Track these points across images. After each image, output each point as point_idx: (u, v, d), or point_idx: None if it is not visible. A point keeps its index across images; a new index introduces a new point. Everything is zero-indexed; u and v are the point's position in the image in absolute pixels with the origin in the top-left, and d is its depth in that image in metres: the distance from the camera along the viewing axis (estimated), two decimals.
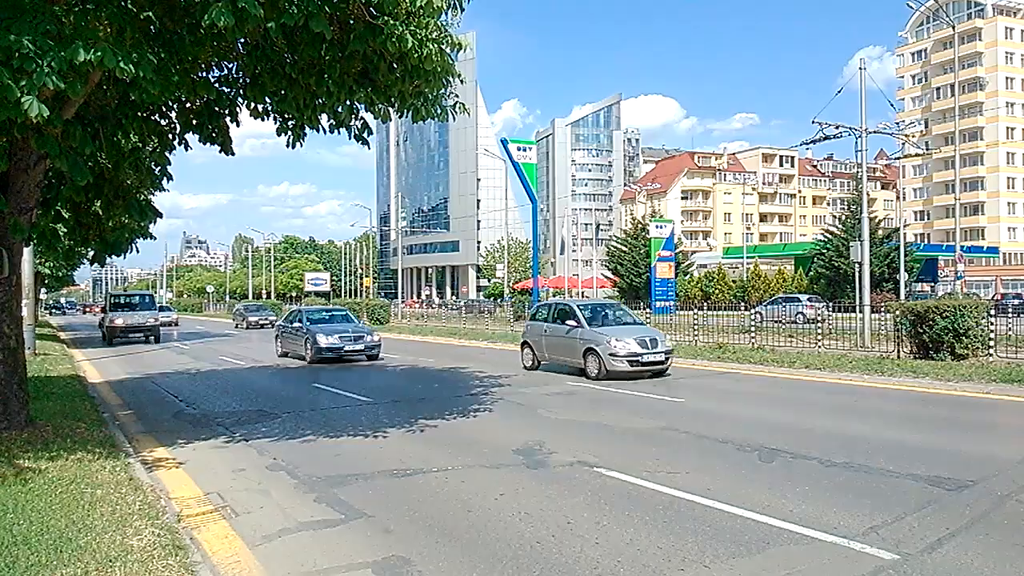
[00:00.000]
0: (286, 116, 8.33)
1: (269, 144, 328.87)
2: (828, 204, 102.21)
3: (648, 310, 31.78)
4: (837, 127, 24.57)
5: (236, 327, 44.02)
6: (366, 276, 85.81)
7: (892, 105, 66.37)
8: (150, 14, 6.68)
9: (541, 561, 4.96)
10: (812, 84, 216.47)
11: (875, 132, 26.90)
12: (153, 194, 11.96)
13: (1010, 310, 22.62)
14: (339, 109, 8.10)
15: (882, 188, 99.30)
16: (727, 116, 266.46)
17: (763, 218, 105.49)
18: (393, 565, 4.95)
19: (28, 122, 6.11)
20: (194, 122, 8.48)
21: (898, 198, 72.17)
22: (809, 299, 35.07)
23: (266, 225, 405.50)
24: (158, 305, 36.90)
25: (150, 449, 8.73)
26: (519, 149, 53.35)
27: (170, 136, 9.02)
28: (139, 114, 8.30)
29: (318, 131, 8.48)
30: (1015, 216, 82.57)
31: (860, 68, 22.87)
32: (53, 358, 19.62)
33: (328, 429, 9.97)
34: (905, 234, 45.49)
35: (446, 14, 7.27)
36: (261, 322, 43.29)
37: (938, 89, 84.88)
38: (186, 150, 9.45)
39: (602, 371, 14.38)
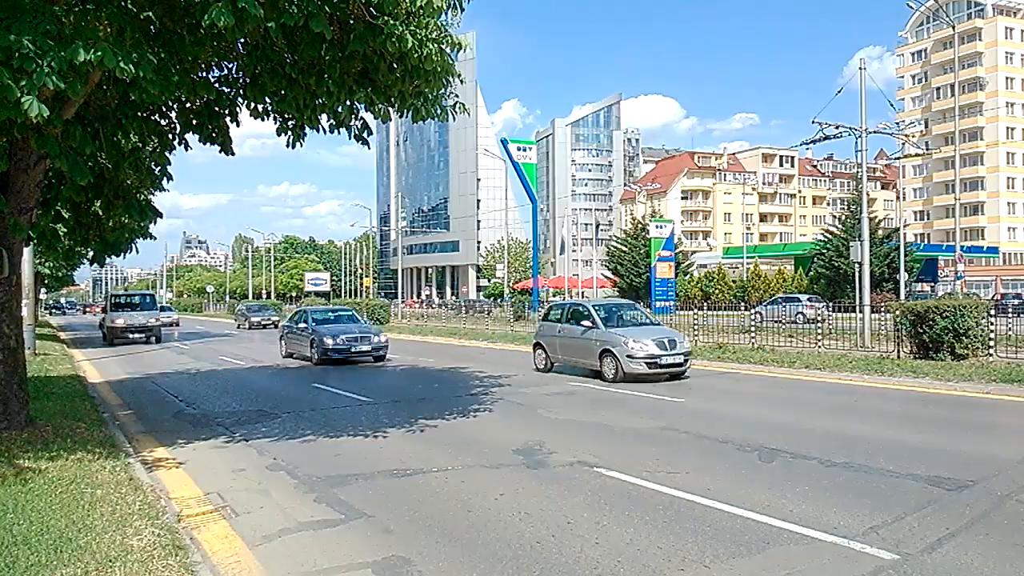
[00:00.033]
0: (286, 116, 8.32)
1: (269, 144, 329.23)
2: (828, 204, 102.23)
3: (648, 310, 31.76)
4: (837, 127, 24.58)
5: (238, 327, 43.76)
6: (366, 276, 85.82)
7: (892, 105, 66.36)
8: (150, 14, 6.68)
9: (541, 561, 4.96)
10: (812, 84, 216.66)
11: (875, 132, 26.92)
12: (153, 194, 11.96)
13: (1010, 310, 22.62)
14: (339, 109, 8.10)
15: (882, 188, 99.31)
16: (727, 116, 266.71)
17: (763, 218, 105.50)
18: (393, 565, 4.95)
19: (28, 122, 6.11)
20: (194, 122, 8.48)
21: (898, 198, 72.17)
22: (809, 299, 35.07)
23: (266, 225, 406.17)
24: (159, 305, 36.40)
25: (150, 449, 8.73)
26: (519, 149, 53.60)
27: (170, 136, 9.02)
28: (139, 114, 8.30)
29: (318, 131, 8.48)
30: (1015, 216, 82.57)
31: (860, 68, 22.88)
32: (53, 358, 19.63)
33: (328, 429, 9.97)
34: (905, 234, 45.50)
35: (446, 14, 7.27)
36: (264, 322, 42.94)
37: (938, 89, 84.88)
38: (186, 150, 9.46)
39: (619, 373, 13.96)
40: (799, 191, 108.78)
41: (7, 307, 8.18)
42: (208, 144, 8.63)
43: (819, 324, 20.18)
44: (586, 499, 6.37)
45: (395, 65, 7.39)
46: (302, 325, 20.76)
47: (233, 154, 8.93)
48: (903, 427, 9.86)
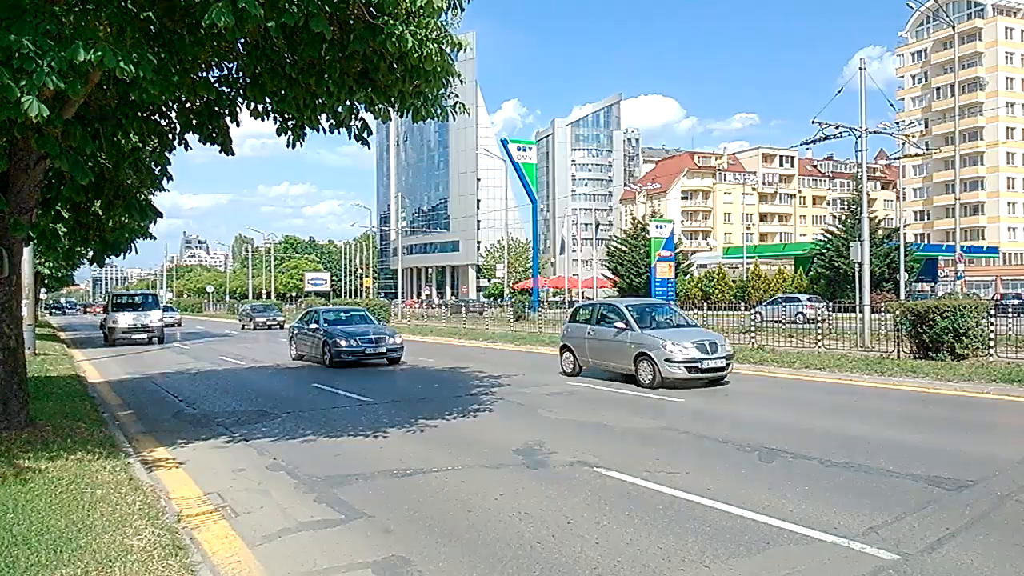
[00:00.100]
0: (286, 116, 8.32)
1: (269, 144, 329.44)
2: (828, 204, 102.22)
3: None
4: (837, 127, 24.58)
5: (243, 328, 43.28)
6: (366, 276, 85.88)
7: (892, 105, 66.36)
8: (150, 14, 6.67)
9: (541, 561, 4.96)
10: (812, 84, 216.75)
11: (875, 132, 26.91)
12: (153, 194, 11.96)
13: (1010, 310, 22.64)
14: (339, 109, 8.09)
15: (882, 188, 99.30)
16: (727, 116, 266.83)
17: (763, 218, 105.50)
18: (393, 565, 4.95)
19: (28, 122, 6.11)
20: (194, 122, 8.47)
21: (898, 198, 72.17)
22: (809, 299, 35.07)
23: (266, 225, 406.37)
24: (162, 305, 35.36)
25: (150, 449, 8.73)
26: (519, 149, 53.69)
27: (170, 136, 9.01)
28: (139, 114, 8.29)
29: (318, 131, 8.48)
30: (1015, 216, 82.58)
31: (860, 68, 22.87)
32: (53, 358, 19.62)
33: (328, 429, 9.97)
34: (905, 234, 45.50)
35: (446, 14, 7.27)
36: (269, 323, 42.30)
37: (938, 89, 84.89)
38: (186, 150, 9.45)
39: (656, 378, 13.08)
40: (799, 191, 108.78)
41: (7, 307, 8.18)
42: (208, 144, 8.62)
43: (819, 324, 20.18)
44: (586, 499, 6.37)
45: (395, 65, 7.39)
46: (313, 326, 20.09)
47: (233, 154, 8.93)
48: (903, 427, 9.87)
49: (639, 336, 13.76)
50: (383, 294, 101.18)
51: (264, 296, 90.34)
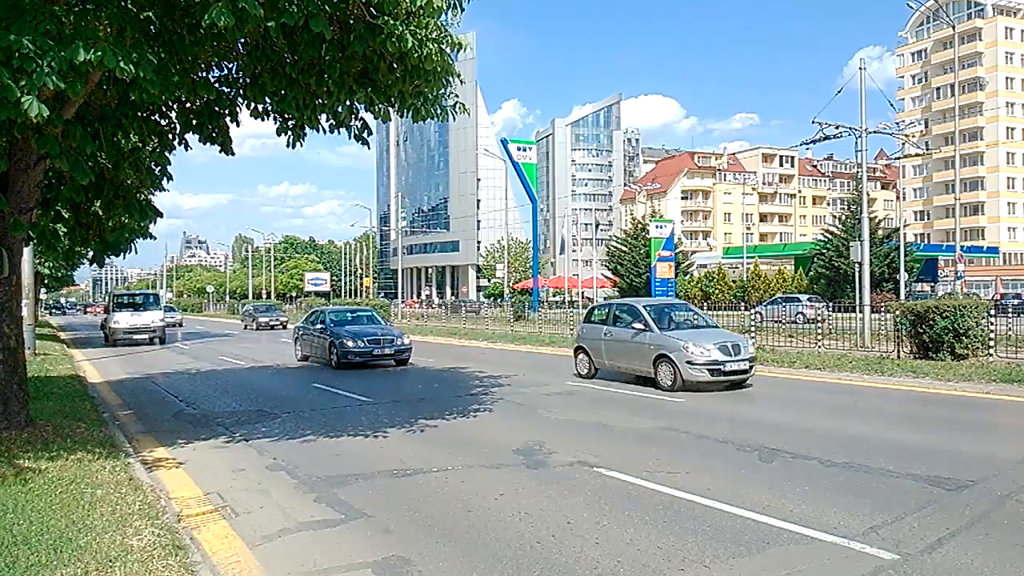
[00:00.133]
0: (286, 116, 8.32)
1: (269, 144, 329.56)
2: (828, 204, 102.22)
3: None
4: (837, 127, 24.58)
5: (245, 328, 42.96)
6: (366, 276, 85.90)
7: (892, 105, 66.33)
8: (150, 14, 6.68)
9: (541, 561, 4.96)
10: (812, 84, 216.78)
11: (875, 132, 26.92)
12: (153, 194, 11.95)
13: (1010, 310, 22.64)
14: (339, 109, 8.10)
15: (882, 188, 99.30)
16: (727, 116, 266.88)
17: (763, 218, 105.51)
18: (393, 565, 4.95)
19: (28, 122, 6.11)
20: (194, 122, 8.47)
21: (898, 198, 72.17)
22: (809, 299, 35.07)
23: (266, 225, 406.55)
24: (163, 305, 34.70)
25: (150, 449, 8.73)
26: (519, 149, 53.71)
27: (170, 136, 9.01)
28: (139, 114, 8.29)
29: (318, 131, 8.48)
30: (1015, 216, 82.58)
31: (860, 68, 22.87)
32: (53, 358, 19.63)
33: (328, 429, 9.97)
34: (905, 234, 45.49)
35: (446, 14, 7.27)
36: (272, 323, 41.81)
37: (938, 89, 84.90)
38: (186, 150, 9.45)
39: (677, 381, 12.67)
40: (799, 191, 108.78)
41: (7, 307, 8.18)
42: (208, 144, 8.63)
43: (819, 324, 20.18)
44: (586, 499, 6.37)
45: (395, 65, 7.39)
46: (319, 327, 19.64)
47: (233, 154, 8.93)
48: (903, 427, 9.87)
49: (658, 337, 13.31)
50: (383, 294, 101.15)
51: (264, 296, 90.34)
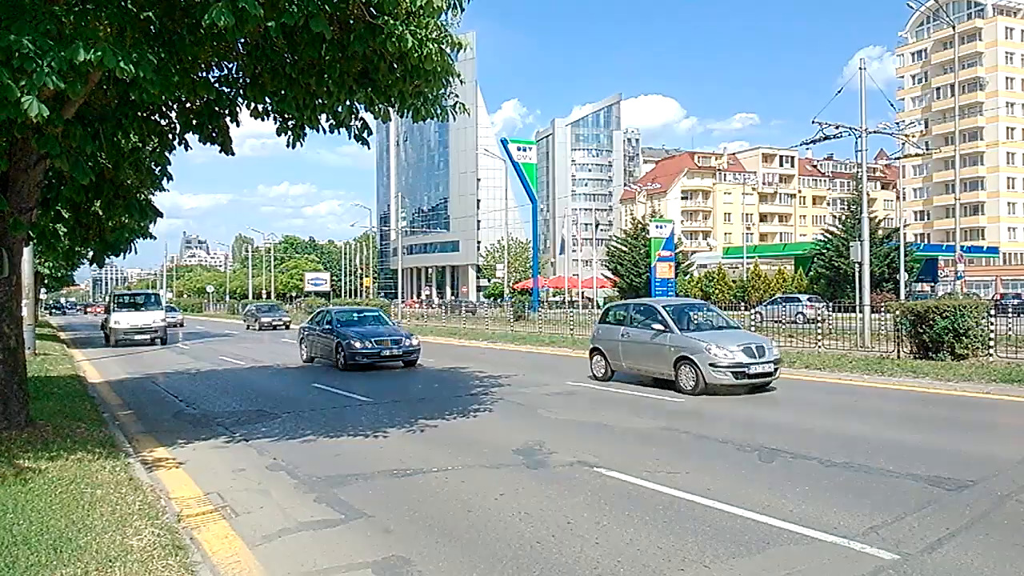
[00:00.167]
0: (286, 116, 8.32)
1: (269, 144, 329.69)
2: (828, 204, 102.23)
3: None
4: (837, 127, 24.58)
5: (247, 328, 42.60)
6: (366, 276, 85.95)
7: (892, 105, 66.39)
8: (150, 14, 6.68)
9: (541, 561, 4.96)
10: (812, 84, 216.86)
11: (875, 132, 26.91)
12: (153, 194, 11.95)
13: (1010, 310, 22.65)
14: (339, 109, 8.10)
15: (882, 188, 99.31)
16: (727, 116, 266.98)
17: (763, 218, 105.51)
18: (393, 565, 4.95)
19: (28, 122, 6.11)
20: (194, 122, 8.47)
21: (898, 198, 72.18)
22: (809, 299, 35.08)
23: (266, 225, 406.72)
24: (164, 305, 33.95)
25: (150, 449, 8.73)
26: (519, 149, 53.73)
27: (170, 136, 9.02)
28: (139, 114, 8.29)
29: (318, 131, 8.48)
30: (1015, 216, 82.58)
31: (860, 68, 22.87)
32: (53, 358, 19.63)
33: (328, 429, 9.97)
34: (905, 234, 45.50)
35: (446, 14, 7.27)
36: (275, 323, 41.34)
37: (938, 89, 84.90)
38: (186, 150, 9.46)
39: (700, 384, 12.25)
40: (799, 191, 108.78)
41: (7, 307, 8.18)
42: (208, 144, 8.63)
43: (819, 324, 20.18)
44: (586, 499, 6.37)
45: (395, 65, 7.40)
46: (325, 327, 19.27)
47: (233, 154, 8.93)
48: (903, 427, 9.86)
49: (680, 339, 12.81)
50: (383, 294, 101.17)
51: (264, 296, 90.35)
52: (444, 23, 7.35)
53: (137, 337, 27.90)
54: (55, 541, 4.94)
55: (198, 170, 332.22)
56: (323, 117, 8.28)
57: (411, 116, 8.28)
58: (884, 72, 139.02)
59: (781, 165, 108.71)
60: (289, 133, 8.48)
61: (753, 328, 20.77)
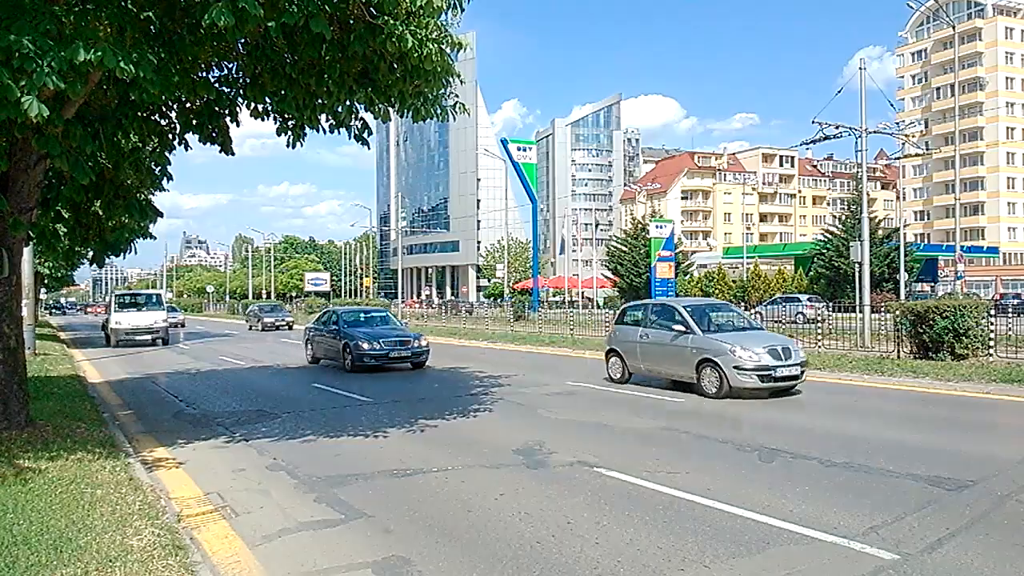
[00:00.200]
0: (286, 116, 8.32)
1: (269, 144, 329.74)
2: (828, 204, 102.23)
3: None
4: (837, 127, 24.58)
5: (250, 328, 42.10)
6: (366, 276, 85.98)
7: (892, 105, 66.44)
8: (150, 14, 6.68)
9: (541, 561, 4.96)
10: (812, 84, 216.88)
11: (875, 132, 26.92)
12: (153, 194, 11.95)
13: (1010, 310, 22.65)
14: (339, 109, 8.10)
15: (882, 188, 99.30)
16: (727, 116, 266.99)
17: (763, 218, 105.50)
18: (393, 565, 4.95)
19: (28, 122, 6.11)
20: (194, 122, 8.47)
21: (898, 198, 72.18)
22: (809, 299, 35.07)
23: (266, 225, 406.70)
24: (166, 305, 33.11)
25: (150, 449, 8.73)
26: (519, 149, 53.75)
27: (170, 136, 9.02)
28: (139, 114, 8.30)
29: (318, 131, 8.48)
30: (1015, 216, 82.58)
31: (860, 68, 22.87)
32: (53, 358, 19.63)
33: (328, 429, 9.97)
34: (905, 234, 45.50)
35: (446, 14, 7.27)
36: (277, 323, 40.78)
37: (938, 89, 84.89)
38: (186, 150, 9.46)
39: (724, 387, 11.87)
40: (799, 191, 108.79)
41: (7, 307, 8.18)
42: (208, 144, 8.63)
43: (819, 324, 20.18)
44: (586, 499, 6.37)
45: (395, 65, 7.40)
46: (332, 327, 18.87)
47: (233, 154, 8.93)
48: (903, 427, 9.87)
49: (702, 340, 12.43)
50: (383, 294, 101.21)
51: (264, 296, 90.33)
52: (444, 23, 7.36)
53: (139, 338, 27.51)
54: (55, 541, 4.94)
55: (198, 170, 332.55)
56: (323, 117, 8.29)
57: (411, 116, 8.28)
58: (884, 72, 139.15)
59: (781, 165, 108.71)
60: (289, 133, 8.48)
61: None
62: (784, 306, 30.34)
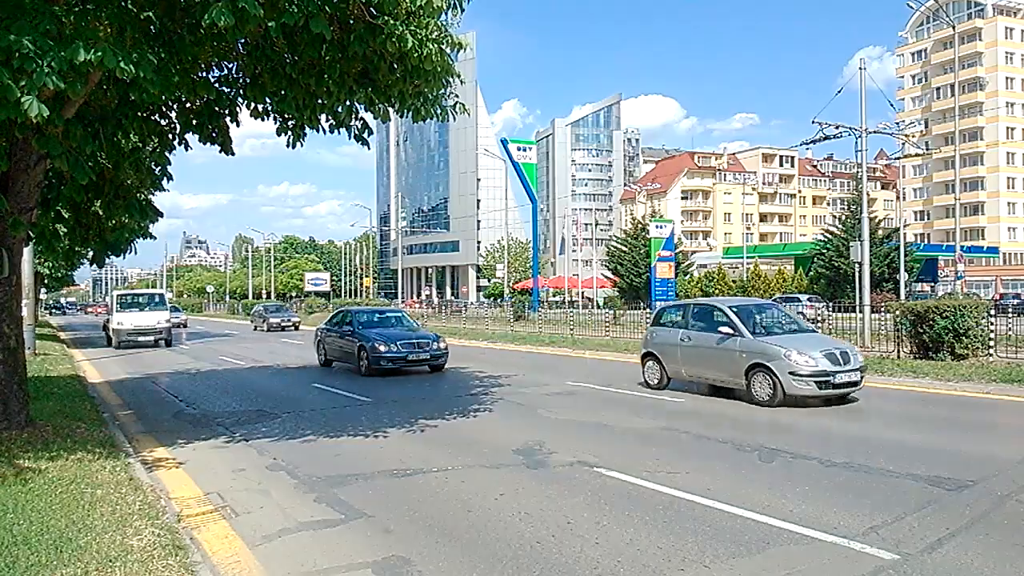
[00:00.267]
0: (286, 116, 8.33)
1: (269, 144, 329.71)
2: (828, 204, 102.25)
3: (648, 310, 31.78)
4: (837, 127, 24.57)
5: (255, 329, 41.62)
6: (366, 276, 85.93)
7: (892, 105, 66.40)
8: (150, 14, 6.68)
9: (541, 561, 4.96)
10: (812, 84, 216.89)
11: (875, 132, 26.92)
12: (153, 194, 11.95)
13: (1010, 310, 22.64)
14: (339, 109, 8.10)
15: (882, 188, 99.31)
16: (727, 116, 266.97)
17: (763, 218, 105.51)
18: (393, 565, 4.95)
19: (28, 122, 6.11)
20: (194, 122, 8.48)
21: (898, 198, 72.19)
22: (809, 299, 35.11)
23: (266, 225, 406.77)
24: (169, 305, 31.84)
25: (150, 449, 8.73)
26: (519, 149, 53.75)
27: (170, 136, 9.02)
28: (139, 114, 8.30)
29: (318, 131, 8.49)
30: (1015, 216, 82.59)
31: (860, 68, 22.86)
32: (53, 358, 19.63)
33: (328, 429, 9.97)
34: (905, 234, 45.53)
35: (446, 14, 7.27)
36: (283, 324, 40.10)
37: (938, 89, 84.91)
38: (186, 150, 9.47)
39: (778, 394, 11.08)
40: (799, 191, 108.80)
41: (7, 307, 8.18)
42: (208, 144, 8.64)
43: (819, 324, 20.18)
44: (586, 499, 6.37)
45: (395, 65, 7.40)
46: (346, 328, 18.13)
47: (233, 154, 8.93)
48: (903, 427, 9.87)
49: (752, 343, 11.57)
50: (383, 294, 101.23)
51: (264, 296, 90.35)
52: (444, 23, 7.36)
53: (141, 339, 26.93)
54: (55, 541, 4.94)
55: (198, 170, 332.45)
56: (323, 117, 8.29)
57: (411, 116, 8.29)
58: (884, 72, 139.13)
59: (781, 165, 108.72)
60: (289, 133, 8.48)
61: None
62: (784, 306, 30.29)
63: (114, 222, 10.10)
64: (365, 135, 8.65)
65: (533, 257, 58.17)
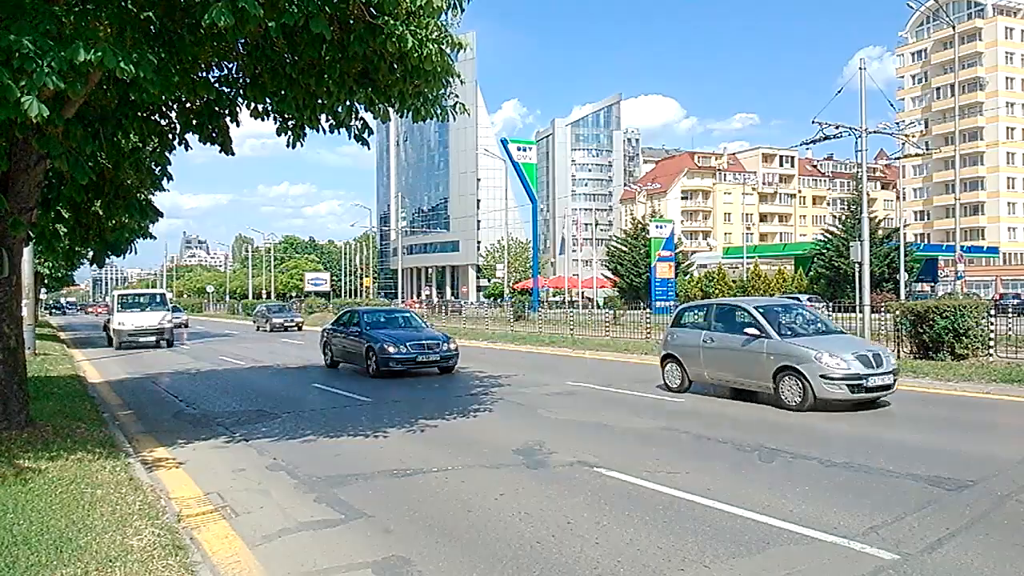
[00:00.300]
0: (286, 116, 8.33)
1: (269, 144, 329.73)
2: (828, 204, 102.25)
3: (648, 310, 31.80)
4: (837, 127, 24.57)
5: (258, 329, 41.26)
6: (366, 276, 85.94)
7: (892, 105, 66.38)
8: (150, 14, 6.68)
9: (541, 561, 4.96)
10: (812, 84, 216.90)
11: (875, 132, 26.90)
12: (153, 194, 11.95)
13: (1010, 310, 22.65)
14: (339, 109, 8.10)
15: (882, 188, 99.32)
16: (727, 116, 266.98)
17: (763, 218, 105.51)
18: (393, 565, 4.95)
19: (28, 122, 6.11)
20: (194, 122, 8.48)
21: (898, 198, 72.19)
22: (809, 299, 35.12)
23: (266, 225, 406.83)
24: (170, 305, 31.24)
25: (150, 449, 8.73)
26: (519, 149, 53.78)
27: (170, 136, 9.02)
28: (139, 114, 8.30)
29: (318, 131, 8.49)
30: (1015, 216, 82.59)
31: (860, 68, 22.85)
32: (53, 358, 19.63)
33: (328, 429, 9.97)
34: (905, 234, 45.55)
35: (446, 14, 7.27)
36: (287, 324, 39.59)
37: (938, 89, 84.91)
38: (186, 150, 9.47)
39: (808, 398, 10.67)
40: (799, 191, 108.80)
41: (7, 307, 8.18)
42: (208, 144, 8.64)
43: None
44: (586, 499, 6.37)
45: (395, 65, 7.40)
46: (353, 329, 17.75)
47: (233, 154, 8.94)
48: (903, 427, 9.87)
49: (780, 345, 11.13)
50: (383, 294, 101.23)
51: (265, 296, 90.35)
52: (444, 23, 7.36)
53: (142, 339, 26.49)
54: (55, 541, 4.94)
55: (198, 170, 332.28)
56: (323, 117, 8.29)
57: (411, 116, 8.29)
58: (884, 72, 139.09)
59: (781, 165, 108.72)
60: (289, 133, 8.48)
61: None
62: None
63: (114, 222, 10.10)
64: (365, 135, 8.65)
65: (533, 257, 58.19)
